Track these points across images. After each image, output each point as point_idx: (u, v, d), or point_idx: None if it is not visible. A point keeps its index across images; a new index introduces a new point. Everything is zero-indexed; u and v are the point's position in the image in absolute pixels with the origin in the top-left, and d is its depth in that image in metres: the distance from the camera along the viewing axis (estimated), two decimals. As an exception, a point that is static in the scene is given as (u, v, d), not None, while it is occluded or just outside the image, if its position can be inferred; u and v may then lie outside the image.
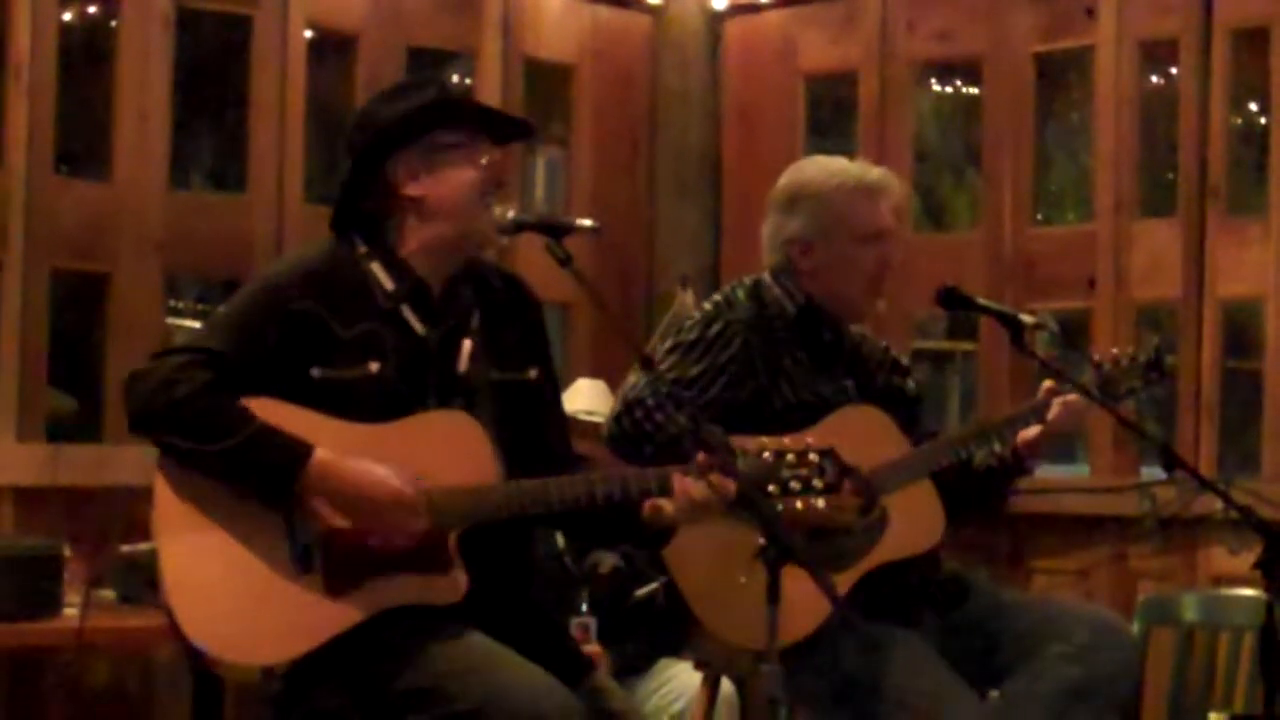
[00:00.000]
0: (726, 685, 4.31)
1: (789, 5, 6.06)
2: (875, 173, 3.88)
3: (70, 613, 4.27)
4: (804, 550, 2.90)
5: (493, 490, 3.13)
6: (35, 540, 4.49)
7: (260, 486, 3.06)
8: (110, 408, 5.05)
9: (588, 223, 3.26)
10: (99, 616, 4.29)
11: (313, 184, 5.39)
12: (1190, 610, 4.48)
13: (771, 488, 3.01)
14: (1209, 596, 4.58)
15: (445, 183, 3.23)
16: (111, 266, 5.11)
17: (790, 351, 3.78)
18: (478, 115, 3.33)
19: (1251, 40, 5.25)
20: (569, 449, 3.41)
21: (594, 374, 5.40)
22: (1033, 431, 3.82)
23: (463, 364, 3.24)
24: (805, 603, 3.13)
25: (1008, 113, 5.68)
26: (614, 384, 4.62)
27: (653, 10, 6.15)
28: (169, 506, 3.08)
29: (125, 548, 4.46)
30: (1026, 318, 3.79)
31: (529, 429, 3.31)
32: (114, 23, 5.24)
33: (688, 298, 5.66)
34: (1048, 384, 3.84)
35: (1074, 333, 5.97)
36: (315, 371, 3.13)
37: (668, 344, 3.78)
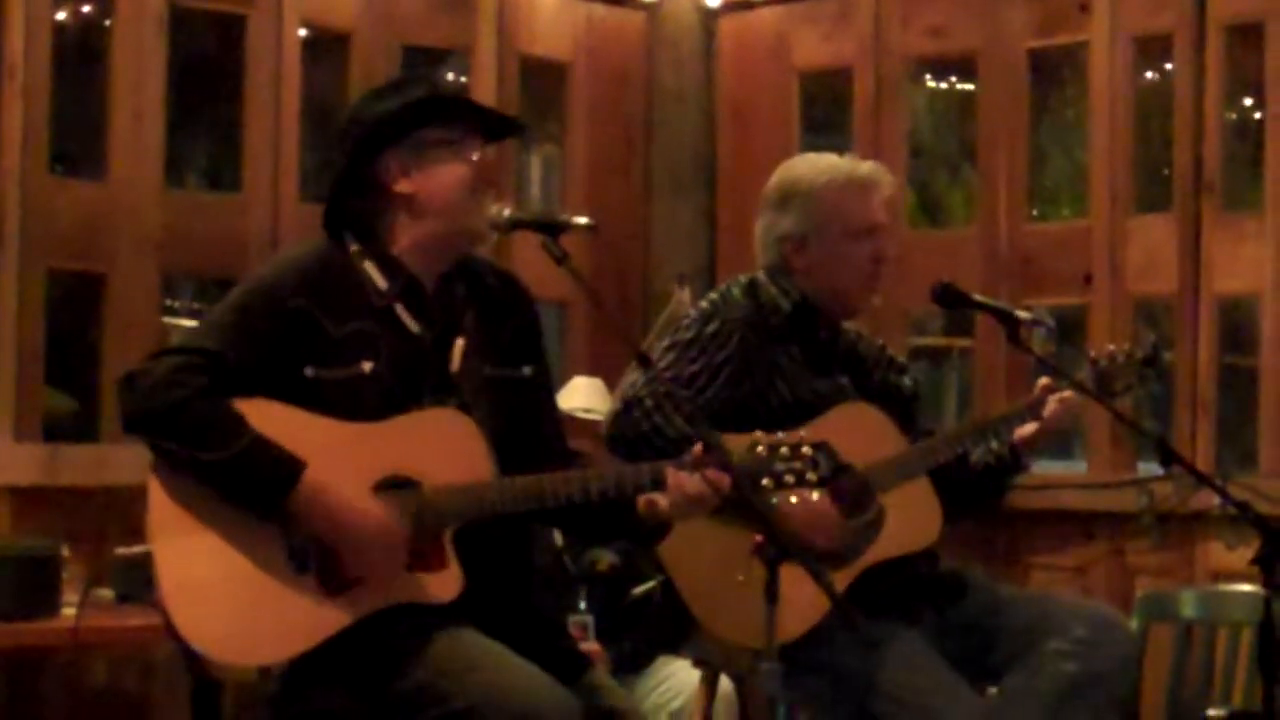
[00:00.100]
0: (725, 683, 4.31)
1: (783, 2, 6.05)
2: (865, 167, 3.88)
3: (68, 613, 4.27)
4: (801, 547, 2.91)
5: (487, 488, 3.13)
6: (33, 540, 4.49)
7: (249, 501, 3.06)
8: (108, 408, 5.04)
9: (583, 220, 3.25)
10: (97, 616, 4.30)
11: (308, 183, 5.39)
12: (1188, 606, 4.48)
13: (765, 481, 3.02)
14: (1207, 592, 4.58)
15: (435, 179, 3.22)
16: (107, 266, 5.11)
17: (786, 349, 3.78)
18: (468, 112, 3.32)
19: (1245, 35, 5.25)
20: (564, 446, 3.41)
21: (591, 372, 5.40)
22: (1029, 428, 3.82)
23: (456, 362, 3.24)
24: (803, 600, 3.14)
25: (1003, 109, 5.68)
26: (611, 382, 4.62)
27: (647, 7, 6.14)
28: (163, 509, 3.08)
29: (121, 550, 4.46)
30: (1023, 314, 3.80)
31: (524, 426, 3.30)
32: (108, 22, 5.24)
33: (684, 295, 5.65)
34: (1044, 381, 3.84)
35: (1070, 329, 5.96)
36: (309, 371, 3.13)
37: (665, 342, 3.79)
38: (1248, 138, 6.07)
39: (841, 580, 3.58)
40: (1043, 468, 4.33)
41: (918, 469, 3.77)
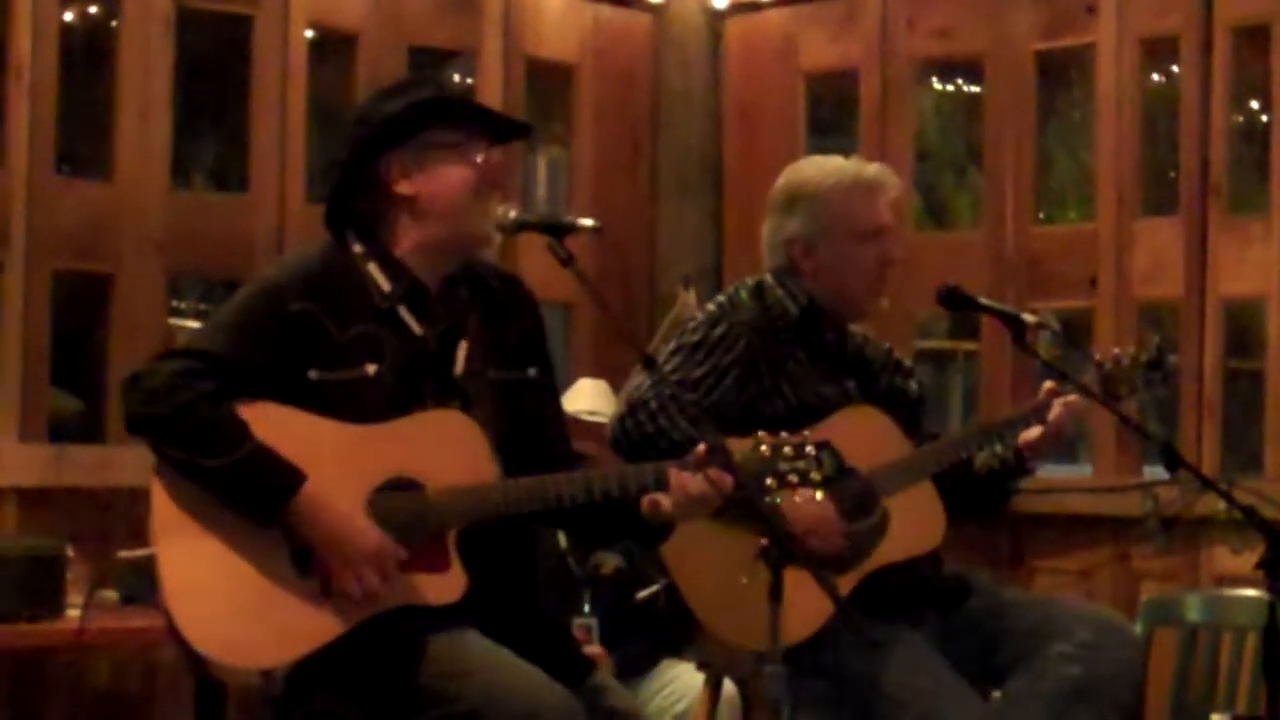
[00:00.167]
0: (729, 686, 4.30)
1: (790, 4, 6.06)
2: (871, 169, 3.88)
3: (72, 614, 4.28)
4: (804, 549, 2.91)
5: (491, 489, 3.13)
6: (38, 541, 4.50)
7: (247, 509, 3.05)
8: (113, 408, 5.04)
9: (589, 222, 3.24)
10: (101, 617, 4.30)
11: (314, 184, 5.38)
12: (1193, 611, 4.46)
13: (769, 480, 3.01)
14: (1212, 597, 4.57)
15: (437, 181, 3.22)
16: (113, 267, 5.11)
17: (793, 353, 3.78)
18: (472, 114, 3.32)
19: (1252, 38, 5.25)
20: (569, 448, 3.40)
21: (596, 374, 5.40)
22: (1034, 432, 3.82)
23: (461, 365, 3.24)
24: (807, 603, 3.13)
25: (1009, 111, 5.68)
26: (616, 384, 4.62)
27: (654, 9, 6.14)
28: (167, 512, 3.08)
29: (125, 553, 4.46)
30: (1028, 317, 3.78)
31: (528, 428, 3.30)
32: (115, 22, 5.24)
33: (690, 298, 5.65)
34: (1049, 384, 3.83)
35: (1076, 332, 5.95)
36: (313, 373, 3.13)
37: (672, 345, 3.78)
38: (1254, 140, 6.06)
39: (846, 583, 3.58)
40: (1047, 471, 4.31)
41: (922, 473, 3.77)
